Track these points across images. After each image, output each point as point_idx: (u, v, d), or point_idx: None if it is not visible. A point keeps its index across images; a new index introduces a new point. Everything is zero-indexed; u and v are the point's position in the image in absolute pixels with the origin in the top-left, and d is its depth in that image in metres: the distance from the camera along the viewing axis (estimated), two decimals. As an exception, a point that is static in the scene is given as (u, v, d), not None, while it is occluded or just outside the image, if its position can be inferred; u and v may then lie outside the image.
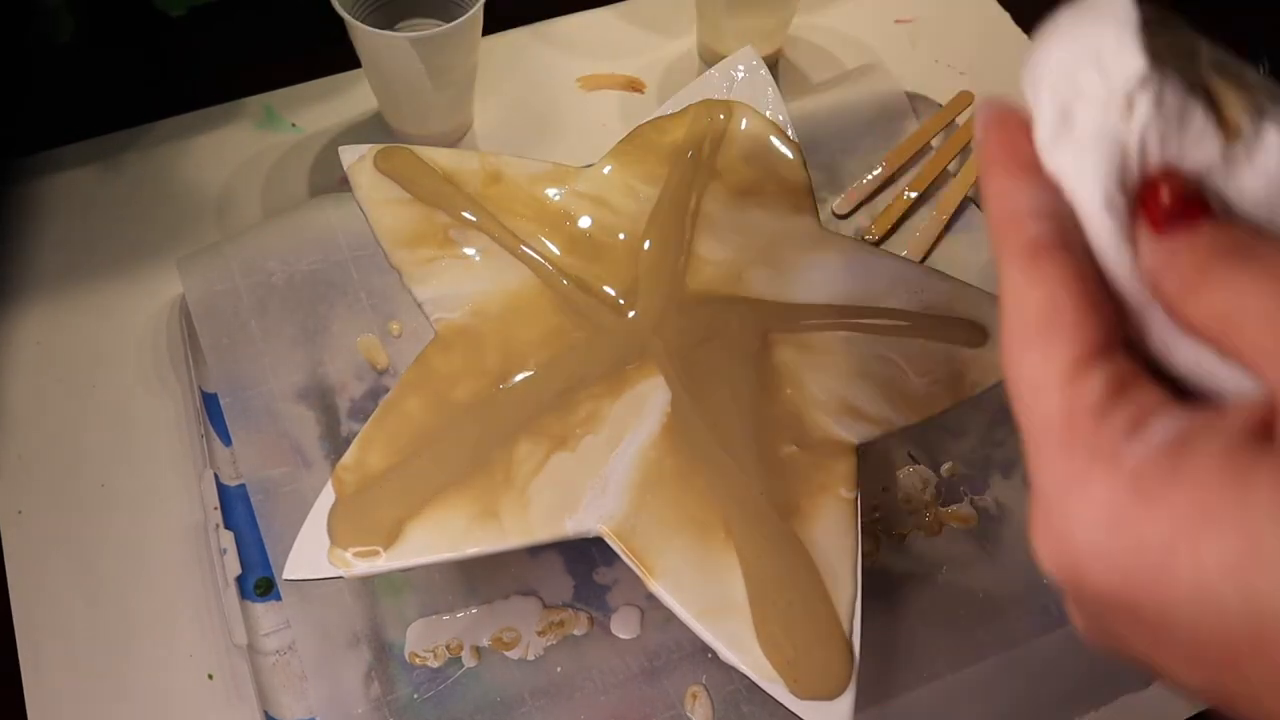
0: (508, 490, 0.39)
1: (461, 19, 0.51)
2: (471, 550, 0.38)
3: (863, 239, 0.57)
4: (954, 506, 0.49)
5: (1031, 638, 0.45)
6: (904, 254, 0.56)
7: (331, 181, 0.58)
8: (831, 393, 0.42)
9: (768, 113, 0.49)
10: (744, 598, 0.37)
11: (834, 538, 0.39)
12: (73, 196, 0.57)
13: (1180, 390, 0.21)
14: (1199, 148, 0.22)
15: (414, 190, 0.45)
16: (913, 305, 0.44)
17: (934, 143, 0.60)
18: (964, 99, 0.61)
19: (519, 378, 0.42)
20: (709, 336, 0.43)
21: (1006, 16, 0.69)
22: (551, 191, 0.46)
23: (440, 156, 0.47)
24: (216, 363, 0.49)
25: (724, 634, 0.37)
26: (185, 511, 0.47)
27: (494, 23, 0.63)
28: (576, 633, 0.45)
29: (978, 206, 0.59)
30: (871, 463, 0.49)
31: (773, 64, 0.64)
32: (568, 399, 0.41)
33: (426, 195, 0.45)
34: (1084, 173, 0.22)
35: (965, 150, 0.60)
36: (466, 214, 0.45)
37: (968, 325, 0.44)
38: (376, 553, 0.37)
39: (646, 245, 0.45)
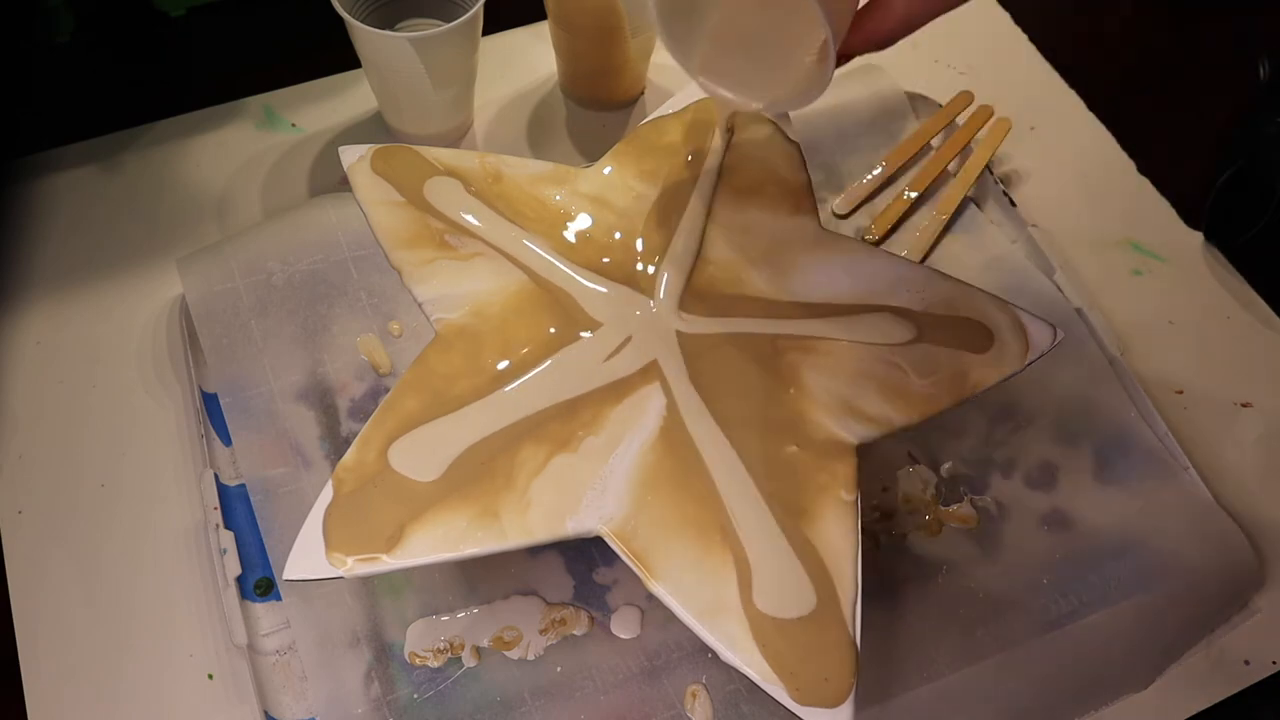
0: (508, 491, 0.39)
1: (461, 19, 0.51)
2: (471, 550, 0.38)
3: (863, 239, 0.57)
4: (954, 506, 0.49)
5: (1031, 638, 0.45)
6: (904, 254, 0.56)
7: (331, 181, 0.58)
8: (832, 393, 0.42)
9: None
10: (744, 599, 0.37)
11: (834, 539, 0.39)
12: (73, 196, 0.57)
13: None
14: None
15: (407, 194, 0.45)
16: (914, 305, 0.44)
17: (934, 143, 0.60)
18: (964, 99, 0.61)
19: (519, 381, 0.41)
20: (712, 338, 0.43)
21: (1007, 17, 0.70)
22: (552, 192, 0.47)
23: (441, 156, 0.47)
24: (216, 363, 0.49)
25: (724, 635, 0.37)
26: (185, 511, 0.48)
27: (494, 23, 0.63)
28: (577, 632, 0.45)
29: (978, 206, 0.59)
30: (871, 463, 0.49)
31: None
32: (569, 403, 0.41)
33: (419, 200, 0.45)
34: None
35: (965, 150, 0.60)
36: (465, 215, 0.45)
37: (973, 327, 0.44)
38: (377, 553, 0.37)
39: (639, 245, 0.45)
